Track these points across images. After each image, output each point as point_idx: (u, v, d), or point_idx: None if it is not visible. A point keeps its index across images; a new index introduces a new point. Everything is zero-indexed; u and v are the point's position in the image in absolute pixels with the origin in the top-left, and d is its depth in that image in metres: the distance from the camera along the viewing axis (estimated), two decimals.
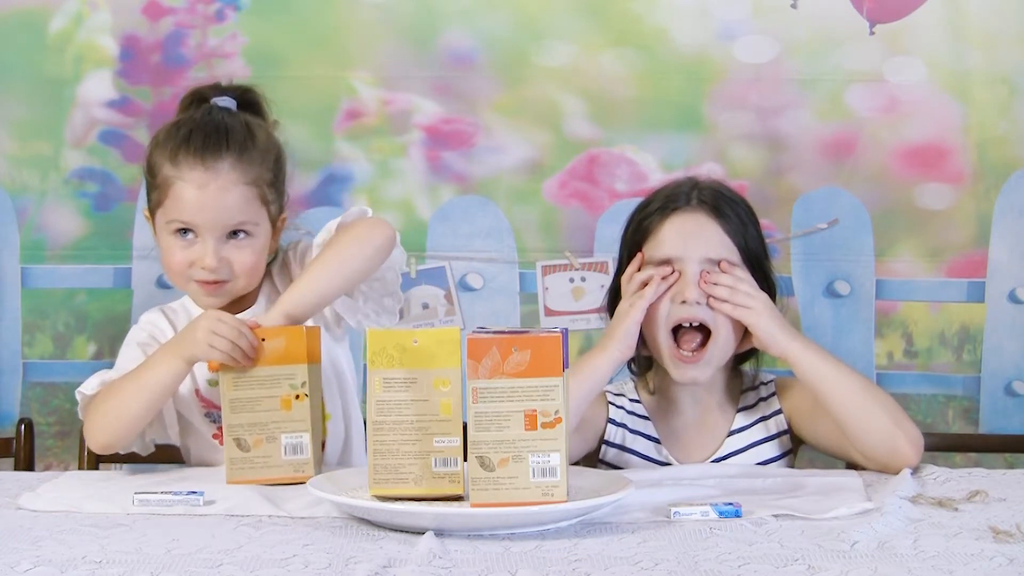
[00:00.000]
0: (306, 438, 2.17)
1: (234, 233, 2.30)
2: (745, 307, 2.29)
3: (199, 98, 2.40)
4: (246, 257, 2.31)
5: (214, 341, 2.14)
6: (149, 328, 2.40)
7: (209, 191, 2.28)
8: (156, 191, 2.32)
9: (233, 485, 2.15)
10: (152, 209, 2.35)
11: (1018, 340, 3.07)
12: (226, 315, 2.19)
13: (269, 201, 2.34)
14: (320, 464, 2.21)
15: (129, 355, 2.35)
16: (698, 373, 2.33)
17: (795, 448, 2.43)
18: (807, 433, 2.39)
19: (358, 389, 2.50)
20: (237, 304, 2.35)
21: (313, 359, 2.20)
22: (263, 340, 2.17)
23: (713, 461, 2.38)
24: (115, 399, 2.22)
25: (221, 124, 2.33)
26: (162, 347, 2.25)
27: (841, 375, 2.27)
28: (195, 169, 2.28)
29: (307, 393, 2.17)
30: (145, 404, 2.21)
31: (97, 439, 2.25)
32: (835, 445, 2.33)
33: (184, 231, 2.30)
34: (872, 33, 3.05)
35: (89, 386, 2.28)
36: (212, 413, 2.34)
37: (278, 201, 2.37)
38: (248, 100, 2.42)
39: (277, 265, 2.42)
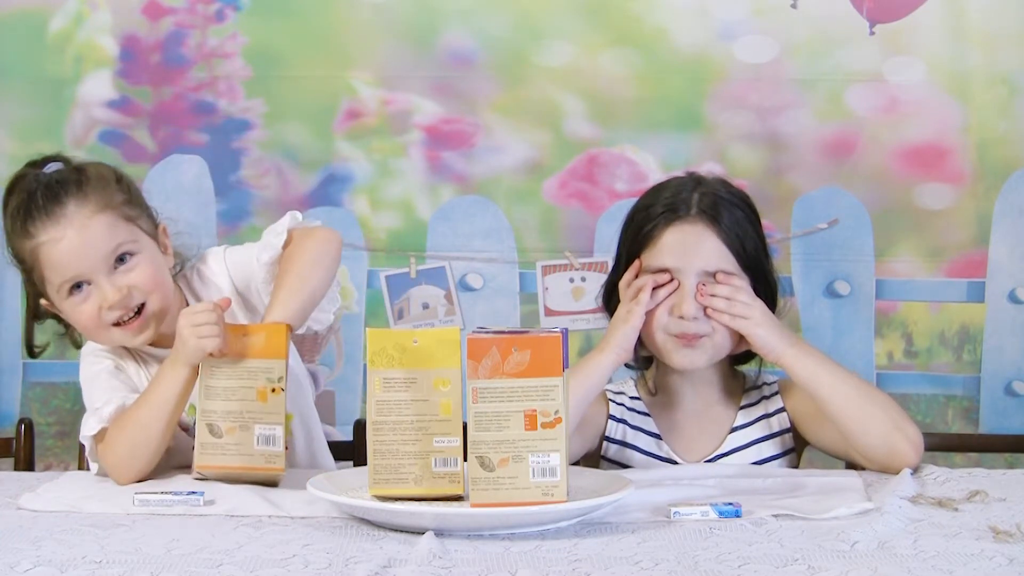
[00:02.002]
0: (279, 431, 2.13)
1: (119, 259, 2.26)
2: (742, 317, 2.30)
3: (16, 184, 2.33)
4: (142, 273, 2.27)
5: (201, 332, 2.13)
6: (102, 356, 2.35)
7: (69, 238, 2.24)
8: (33, 272, 2.27)
9: (205, 470, 2.13)
10: (43, 292, 2.29)
11: (1018, 340, 3.08)
12: (198, 305, 2.17)
13: (133, 217, 2.31)
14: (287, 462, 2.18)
15: (106, 384, 2.31)
16: (696, 356, 2.32)
17: (799, 448, 2.43)
18: (811, 434, 2.40)
19: (359, 391, 2.49)
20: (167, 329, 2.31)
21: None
22: (245, 335, 2.16)
23: (714, 458, 2.38)
24: (133, 428, 2.20)
25: (51, 181, 2.28)
26: (161, 367, 2.23)
27: (837, 379, 2.27)
28: (46, 227, 2.24)
29: (283, 388, 2.15)
30: (165, 422, 2.19)
31: (126, 474, 2.20)
32: (839, 446, 2.33)
33: (76, 287, 2.25)
34: (872, 33, 3.05)
35: (89, 427, 2.25)
36: (191, 430, 2.33)
37: (144, 215, 2.33)
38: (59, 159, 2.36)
39: (191, 276, 2.39)
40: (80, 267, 2.24)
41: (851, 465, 2.34)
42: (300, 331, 2.34)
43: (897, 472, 2.19)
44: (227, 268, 2.38)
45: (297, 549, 1.80)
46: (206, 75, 3.09)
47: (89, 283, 2.25)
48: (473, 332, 1.92)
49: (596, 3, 3.09)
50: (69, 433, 3.07)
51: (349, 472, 2.13)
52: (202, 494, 2.03)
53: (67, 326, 2.37)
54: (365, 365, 2.00)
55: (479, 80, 3.10)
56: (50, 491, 2.12)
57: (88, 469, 2.57)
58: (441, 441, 1.95)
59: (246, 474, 2.13)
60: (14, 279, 3.11)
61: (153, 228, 2.34)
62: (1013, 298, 3.08)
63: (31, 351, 2.40)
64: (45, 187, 2.27)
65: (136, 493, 2.04)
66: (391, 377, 1.96)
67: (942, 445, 2.78)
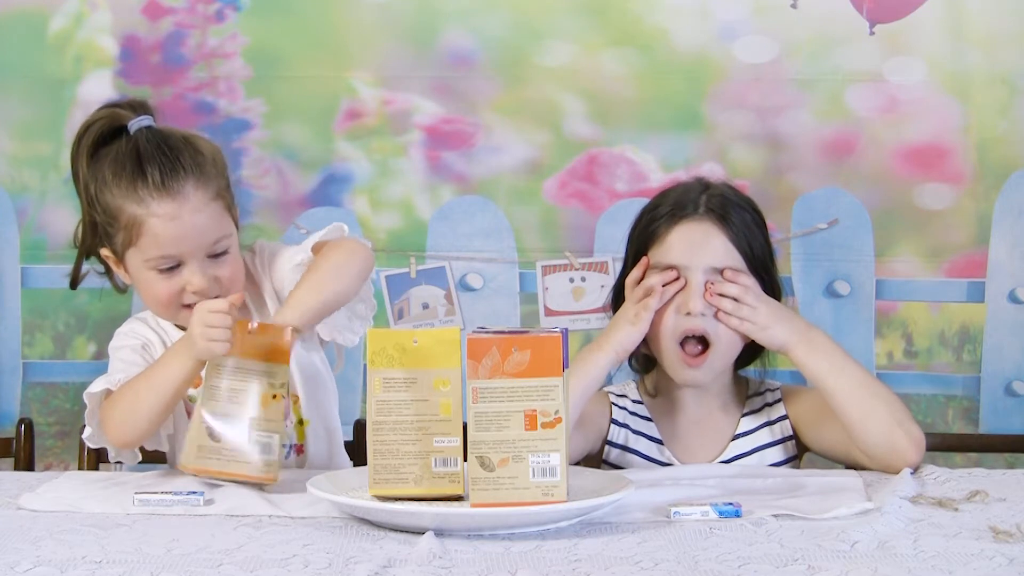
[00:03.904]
0: (276, 439, 2.13)
1: (214, 252, 2.27)
2: (751, 321, 2.30)
3: (110, 126, 2.31)
4: (230, 269, 2.29)
5: (211, 334, 2.13)
6: (135, 336, 2.37)
7: (182, 219, 2.24)
8: (123, 232, 2.26)
9: (201, 474, 2.12)
10: (120, 249, 2.28)
11: (1018, 340, 3.08)
12: (214, 303, 2.15)
13: (229, 206, 2.32)
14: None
15: (126, 358, 2.32)
16: (699, 375, 2.33)
17: (800, 454, 2.43)
18: (811, 438, 2.40)
19: (359, 391, 2.49)
20: None
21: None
22: (252, 333, 2.15)
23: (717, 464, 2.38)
24: (130, 398, 2.21)
25: (165, 146, 2.27)
26: (173, 346, 2.24)
27: (843, 373, 2.28)
28: (162, 201, 2.23)
29: (284, 395, 2.15)
30: (159, 402, 2.19)
31: (116, 437, 2.23)
32: (840, 451, 2.34)
33: (169, 267, 2.25)
34: (872, 33, 3.05)
35: (96, 385, 2.26)
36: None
37: (234, 201, 2.35)
38: (147, 109, 2.36)
39: (255, 268, 2.39)
40: (181, 249, 2.25)
41: (852, 466, 2.34)
42: (326, 339, 2.35)
43: (898, 470, 2.19)
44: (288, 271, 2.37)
45: (297, 549, 1.80)
46: (206, 75, 3.09)
47: (180, 264, 2.26)
48: (473, 332, 1.92)
49: (596, 3, 3.08)
50: (69, 433, 3.07)
51: (349, 472, 2.14)
52: (202, 494, 2.03)
53: (108, 269, 2.37)
54: (365, 365, 2.00)
55: (479, 80, 3.10)
56: (50, 491, 2.12)
57: (87, 468, 2.59)
58: (441, 441, 1.95)
59: (239, 479, 2.12)
60: (13, 280, 3.11)
61: (236, 214, 2.35)
62: (1013, 298, 3.08)
63: (74, 282, 2.40)
64: (160, 153, 2.26)
65: (136, 493, 2.04)
66: (391, 377, 1.96)
67: (942, 445, 2.78)
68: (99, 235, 2.31)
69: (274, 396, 2.14)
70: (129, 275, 2.31)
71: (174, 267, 2.26)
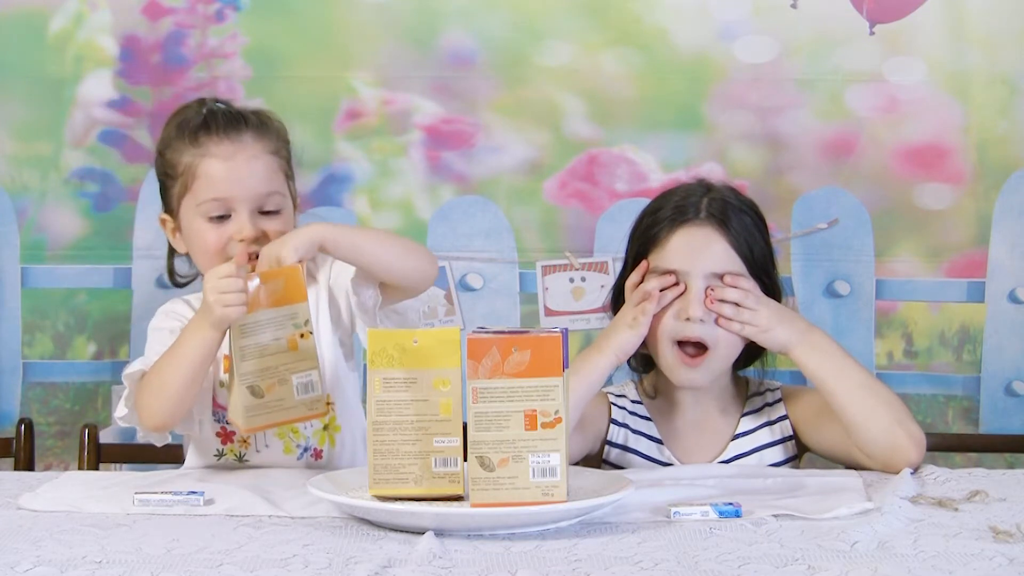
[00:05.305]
0: (315, 375, 2.18)
1: (266, 207, 2.32)
2: (752, 325, 2.30)
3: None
4: (279, 227, 2.32)
5: (225, 300, 2.14)
6: (177, 317, 2.39)
7: (237, 161, 2.31)
8: (179, 181, 2.33)
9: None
10: (176, 202, 2.34)
11: (1018, 340, 3.07)
12: (221, 268, 2.18)
13: (288, 176, 2.38)
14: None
15: (165, 340, 2.33)
16: (697, 376, 2.33)
17: (800, 455, 2.43)
18: (812, 440, 2.40)
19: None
20: None
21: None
22: (264, 283, 2.16)
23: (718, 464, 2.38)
24: (157, 378, 2.23)
25: (232, 109, 2.38)
26: (191, 320, 2.25)
27: (844, 373, 2.28)
28: (221, 143, 2.31)
29: (311, 331, 2.18)
30: (186, 377, 2.21)
31: (150, 421, 2.26)
32: (840, 451, 2.34)
33: (218, 217, 2.30)
34: (872, 33, 3.05)
35: (132, 367, 2.29)
36: (218, 413, 2.34)
37: (293, 180, 2.41)
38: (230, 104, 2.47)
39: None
40: (232, 191, 2.30)
41: (852, 466, 2.34)
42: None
43: (898, 470, 2.20)
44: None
45: (297, 549, 1.80)
46: (206, 75, 3.09)
47: (230, 215, 2.30)
48: (473, 332, 1.92)
49: (596, 3, 3.08)
50: (69, 433, 3.07)
51: (349, 472, 2.14)
52: (202, 494, 2.04)
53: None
54: (365, 365, 2.01)
55: (479, 80, 3.10)
56: (50, 491, 2.12)
57: (87, 468, 2.59)
58: (441, 441, 1.96)
59: (290, 423, 2.22)
60: (13, 279, 3.11)
61: (294, 189, 2.40)
62: (1013, 298, 3.08)
63: (172, 279, 2.49)
64: (227, 111, 2.36)
65: (136, 493, 2.04)
66: (391, 377, 1.96)
67: (942, 445, 2.78)
68: (161, 197, 2.38)
69: (301, 335, 2.18)
70: (183, 235, 2.35)
71: (224, 216, 2.30)
